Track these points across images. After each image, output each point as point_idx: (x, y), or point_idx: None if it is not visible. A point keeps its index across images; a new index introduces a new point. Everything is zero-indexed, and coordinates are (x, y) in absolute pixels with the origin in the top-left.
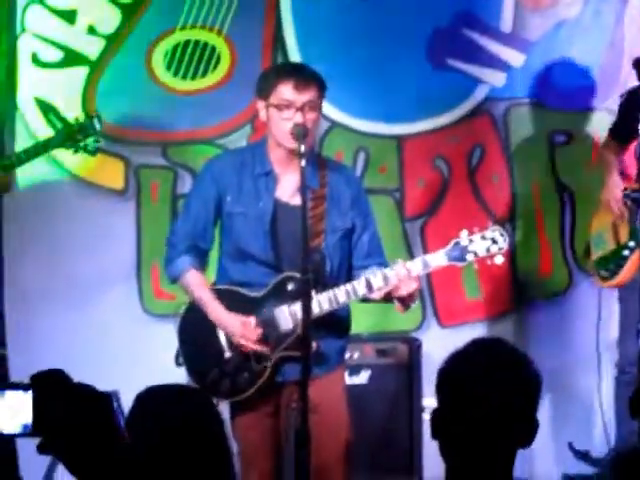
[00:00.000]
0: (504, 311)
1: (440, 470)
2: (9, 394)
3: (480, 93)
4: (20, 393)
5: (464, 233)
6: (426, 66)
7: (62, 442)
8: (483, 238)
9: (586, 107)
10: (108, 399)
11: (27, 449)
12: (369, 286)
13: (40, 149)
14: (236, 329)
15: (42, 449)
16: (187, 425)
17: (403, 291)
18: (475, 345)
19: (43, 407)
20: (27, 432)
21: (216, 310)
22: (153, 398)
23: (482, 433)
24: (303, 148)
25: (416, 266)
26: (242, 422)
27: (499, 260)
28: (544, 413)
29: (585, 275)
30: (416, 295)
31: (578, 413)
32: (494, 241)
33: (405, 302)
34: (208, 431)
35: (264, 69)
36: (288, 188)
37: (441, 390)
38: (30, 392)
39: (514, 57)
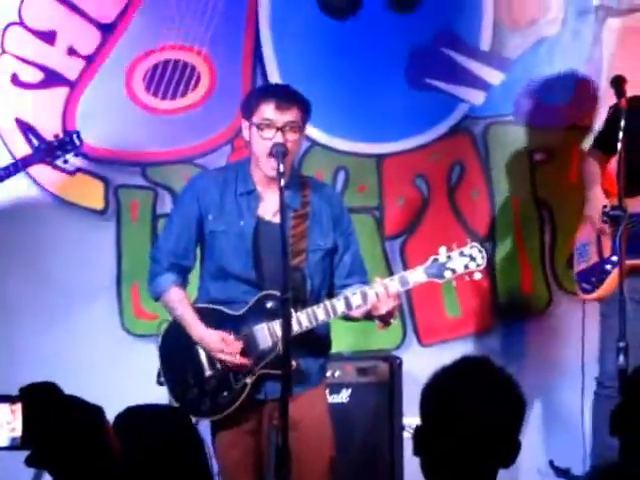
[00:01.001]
0: (485, 329)
1: None
2: None
3: (459, 112)
4: (6, 406)
5: (442, 250)
6: (405, 85)
7: (52, 454)
8: (461, 255)
9: (565, 125)
10: (99, 412)
11: (9, 462)
12: (348, 304)
13: (19, 166)
14: (215, 344)
15: (30, 462)
16: (166, 445)
17: (382, 309)
18: (463, 362)
19: (34, 419)
20: (14, 445)
21: (196, 327)
22: (133, 418)
23: (465, 451)
24: (282, 168)
25: (394, 283)
26: (223, 440)
27: (477, 277)
28: (525, 430)
29: (565, 292)
30: (396, 313)
31: (559, 430)
32: (472, 258)
33: (385, 320)
34: (187, 451)
35: (250, 89)
36: (270, 207)
37: (426, 406)
38: (18, 405)
39: (493, 75)
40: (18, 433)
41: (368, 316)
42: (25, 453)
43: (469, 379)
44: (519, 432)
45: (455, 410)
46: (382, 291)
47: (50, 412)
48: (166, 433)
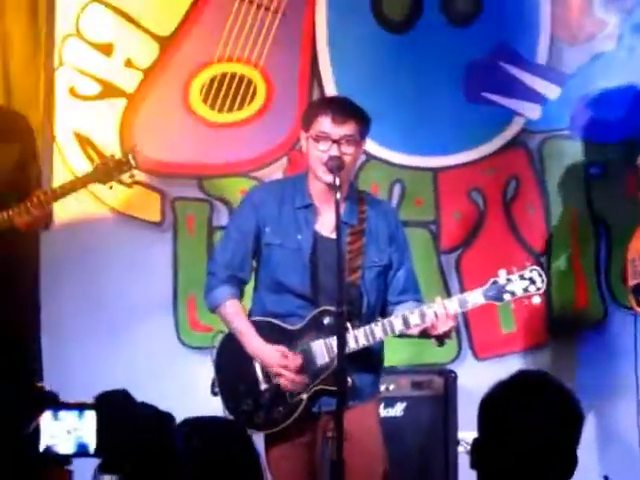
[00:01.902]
0: (539, 343)
1: None
2: (63, 415)
3: (516, 125)
4: (75, 413)
5: (502, 272)
6: (462, 98)
7: (127, 461)
8: (521, 278)
9: (621, 139)
10: (170, 419)
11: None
12: (406, 323)
13: (77, 184)
14: (275, 360)
15: (104, 469)
16: (224, 457)
17: (440, 329)
18: (520, 377)
19: (109, 426)
20: (85, 452)
21: (253, 341)
22: (190, 429)
23: (523, 466)
24: (338, 181)
25: (453, 304)
26: (276, 453)
27: (536, 300)
28: (580, 445)
29: (620, 307)
30: (452, 332)
31: (614, 446)
32: (532, 281)
33: (441, 339)
34: (244, 463)
35: (306, 102)
36: (327, 222)
37: (484, 420)
38: (88, 412)
39: (550, 89)
40: (86, 440)
41: (424, 334)
42: (92, 459)
43: (526, 393)
44: (577, 447)
45: (513, 425)
46: (442, 311)
47: (122, 419)
48: (224, 445)
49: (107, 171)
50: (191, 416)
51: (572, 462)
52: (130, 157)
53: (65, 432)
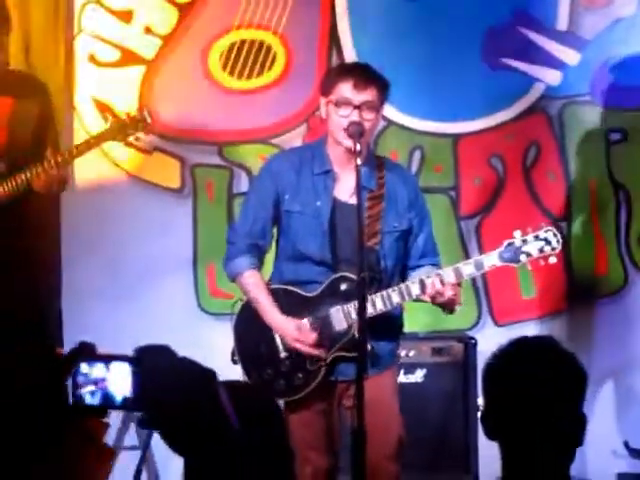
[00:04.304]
0: (559, 310)
1: (496, 469)
2: (92, 366)
3: (536, 91)
4: (102, 365)
5: (517, 233)
6: (481, 64)
7: (167, 417)
8: (536, 238)
9: None
10: (213, 375)
11: None
12: (423, 287)
13: (92, 143)
14: (290, 333)
15: (144, 424)
16: (257, 420)
17: (441, 298)
18: (520, 343)
19: (149, 380)
20: (111, 404)
21: (271, 313)
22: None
23: (530, 431)
24: (359, 147)
25: (469, 267)
26: (295, 420)
27: (552, 260)
28: (600, 412)
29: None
30: (457, 301)
31: (634, 412)
32: (547, 242)
33: (446, 307)
34: (275, 427)
35: (326, 69)
36: (346, 188)
37: (487, 388)
38: (117, 364)
39: (570, 55)
40: (113, 391)
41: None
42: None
43: (526, 360)
44: (581, 406)
45: (515, 393)
46: (437, 282)
47: (163, 374)
48: (256, 409)
49: (122, 128)
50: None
51: (581, 422)
52: (145, 113)
53: (92, 383)
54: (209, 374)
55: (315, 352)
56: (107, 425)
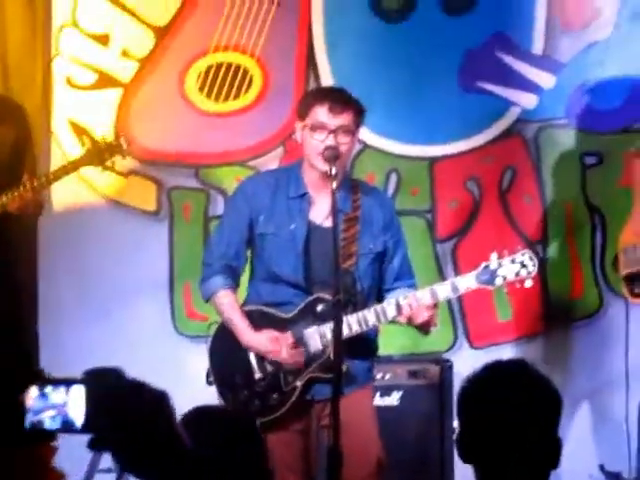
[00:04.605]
0: (535, 332)
1: None
2: (49, 390)
3: (511, 115)
4: (61, 389)
5: (494, 256)
6: (458, 88)
7: (118, 437)
8: (513, 262)
9: (617, 128)
10: (164, 396)
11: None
12: (399, 309)
13: (69, 168)
14: (264, 345)
15: (94, 445)
16: (234, 445)
17: (417, 320)
18: (494, 367)
19: (99, 402)
20: (68, 428)
21: (244, 332)
22: (202, 417)
23: (504, 455)
24: (334, 170)
25: (445, 289)
26: (272, 440)
27: (528, 284)
28: (575, 435)
29: (616, 296)
30: (432, 322)
31: (609, 435)
32: (523, 265)
33: (422, 329)
34: (253, 450)
35: (303, 92)
36: (322, 211)
37: (462, 413)
38: (76, 387)
39: (545, 79)
40: (72, 415)
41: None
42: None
43: (501, 385)
44: (557, 429)
45: (490, 418)
46: (415, 303)
47: (115, 395)
48: (235, 433)
49: (98, 153)
50: (194, 405)
51: (556, 445)
52: (122, 139)
53: (51, 408)
54: (159, 395)
55: (295, 354)
56: (55, 449)
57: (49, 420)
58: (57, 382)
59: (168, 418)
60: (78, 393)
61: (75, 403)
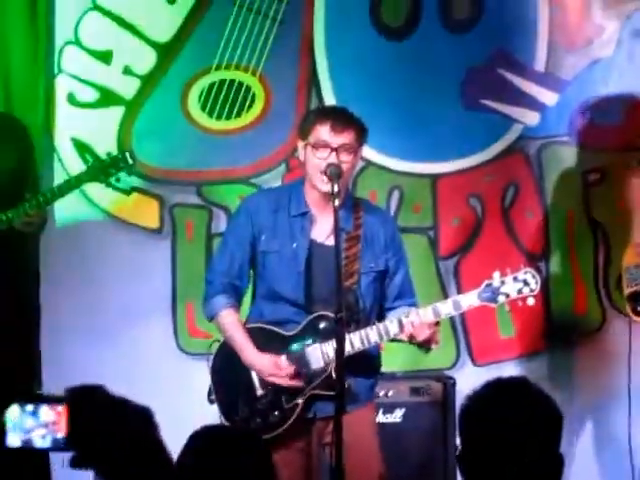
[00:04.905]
0: (538, 349)
1: None
2: (37, 408)
3: (514, 132)
4: (50, 407)
5: (496, 274)
6: (460, 105)
7: (100, 455)
8: (515, 280)
9: (619, 145)
10: (147, 413)
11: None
12: (401, 326)
13: (72, 184)
14: (266, 367)
15: (76, 463)
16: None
17: (419, 338)
18: (496, 385)
19: (81, 419)
20: (58, 446)
21: (247, 351)
22: (212, 437)
23: (506, 473)
24: (336, 188)
25: (447, 307)
26: (274, 459)
27: (531, 302)
28: (579, 452)
29: (618, 313)
30: (434, 339)
31: (612, 452)
32: (526, 283)
33: (423, 346)
34: (263, 470)
35: (305, 110)
36: (323, 229)
37: (464, 431)
38: (63, 405)
39: (548, 96)
40: (62, 434)
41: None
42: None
43: (502, 404)
44: (558, 446)
45: (492, 437)
46: (417, 321)
47: (98, 412)
48: (245, 451)
49: (103, 168)
50: (197, 422)
51: (558, 462)
52: (127, 155)
53: (41, 426)
54: (143, 411)
55: (291, 383)
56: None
57: (39, 439)
58: (43, 400)
59: (152, 434)
60: (63, 411)
61: (64, 421)
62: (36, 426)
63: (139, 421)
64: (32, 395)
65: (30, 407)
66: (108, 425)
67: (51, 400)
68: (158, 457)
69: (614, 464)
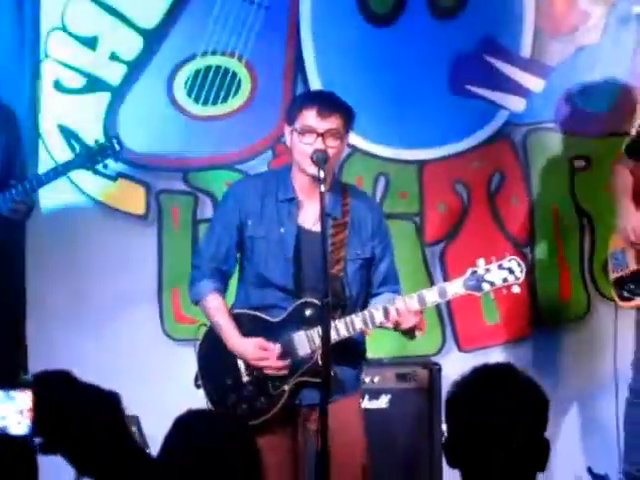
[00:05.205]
0: (523, 336)
1: None
2: (14, 394)
3: (500, 118)
4: (27, 393)
5: (481, 262)
6: (446, 92)
7: (68, 440)
8: (500, 268)
9: (605, 132)
10: (114, 397)
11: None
12: (386, 314)
13: (60, 171)
14: (251, 352)
15: (44, 449)
16: (228, 447)
17: (404, 325)
18: (481, 371)
19: (46, 405)
20: (33, 433)
21: (232, 337)
22: (196, 420)
23: (492, 459)
24: (322, 174)
25: (433, 294)
26: (260, 444)
27: (516, 290)
28: (564, 437)
29: (603, 299)
30: (419, 327)
31: (597, 437)
32: (511, 271)
33: (408, 334)
34: (247, 454)
35: (291, 96)
36: (310, 215)
37: (450, 418)
38: (27, 392)
39: (534, 82)
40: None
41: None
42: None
43: (488, 389)
44: (543, 431)
45: (478, 423)
46: (403, 308)
47: (63, 397)
48: (229, 437)
49: (91, 155)
50: (183, 408)
51: (544, 447)
52: (114, 141)
53: (17, 412)
54: (112, 397)
55: (281, 364)
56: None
57: (16, 425)
58: (18, 386)
59: (120, 419)
60: (29, 397)
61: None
62: (12, 412)
63: (106, 406)
64: (9, 381)
65: (5, 393)
66: (73, 410)
67: (27, 386)
68: (125, 442)
69: (598, 449)
